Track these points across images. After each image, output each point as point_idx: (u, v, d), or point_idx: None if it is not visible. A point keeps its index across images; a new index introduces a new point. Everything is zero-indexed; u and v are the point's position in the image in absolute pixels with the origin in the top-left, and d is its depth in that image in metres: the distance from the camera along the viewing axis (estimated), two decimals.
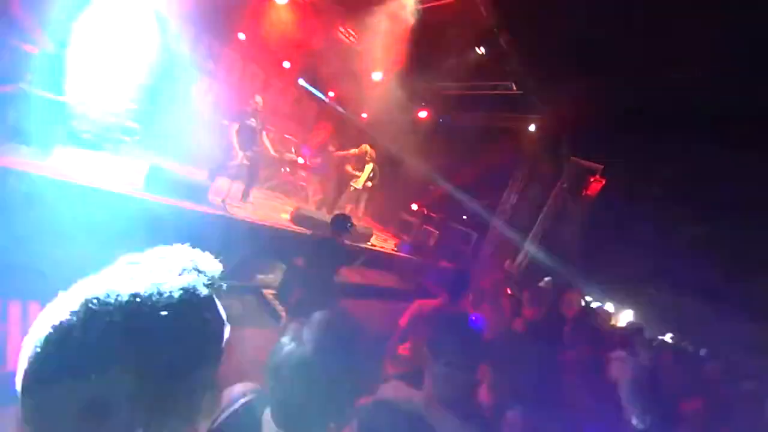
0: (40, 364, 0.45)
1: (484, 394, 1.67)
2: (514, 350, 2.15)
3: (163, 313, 0.49)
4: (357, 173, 7.55)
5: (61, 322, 0.46)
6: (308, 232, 5.61)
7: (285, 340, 0.91)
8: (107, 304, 0.47)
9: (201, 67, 8.52)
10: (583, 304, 4.63)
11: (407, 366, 2.63)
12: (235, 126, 5.77)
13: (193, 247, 0.61)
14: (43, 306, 0.49)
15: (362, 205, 8.12)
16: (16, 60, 4.37)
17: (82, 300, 0.47)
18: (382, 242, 7.81)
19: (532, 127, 8.80)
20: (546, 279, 7.41)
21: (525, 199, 9.28)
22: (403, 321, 2.71)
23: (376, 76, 8.91)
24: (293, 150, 9.49)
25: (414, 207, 10.64)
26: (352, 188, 7.89)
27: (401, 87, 9.26)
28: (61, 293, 0.49)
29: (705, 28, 4.66)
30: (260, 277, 5.68)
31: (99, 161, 4.94)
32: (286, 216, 6.30)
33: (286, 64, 10.47)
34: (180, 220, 4.27)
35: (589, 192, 8.02)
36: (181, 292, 0.52)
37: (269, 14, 8.50)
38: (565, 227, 8.46)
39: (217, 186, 5.32)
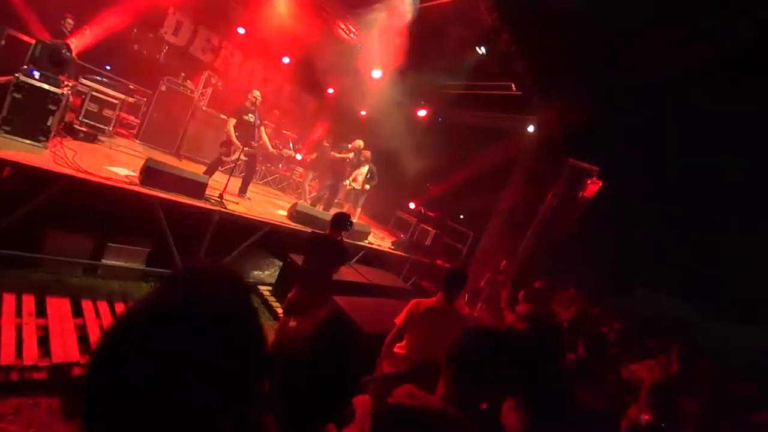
0: None
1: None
2: None
3: None
4: (344, 155, 7.56)
5: None
6: (305, 228, 5.60)
7: (282, 337, 0.91)
8: None
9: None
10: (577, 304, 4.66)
11: (403, 364, 2.63)
12: (233, 121, 5.74)
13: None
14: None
15: (360, 205, 8.13)
16: (13, 50, 4.32)
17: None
18: (379, 240, 7.81)
19: (530, 128, 8.81)
20: (541, 279, 7.45)
21: (522, 199, 9.30)
22: (399, 319, 2.71)
23: (376, 73, 8.88)
24: (291, 146, 9.46)
25: (411, 205, 10.65)
26: (348, 186, 7.88)
27: (400, 85, 9.24)
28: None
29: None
30: (256, 273, 5.67)
31: (95, 153, 4.90)
32: (284, 212, 6.29)
33: (286, 60, 10.42)
34: (177, 215, 4.25)
35: (585, 193, 8.05)
36: None
37: (269, 9, 8.45)
38: (562, 228, 8.49)
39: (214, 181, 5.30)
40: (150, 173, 4.24)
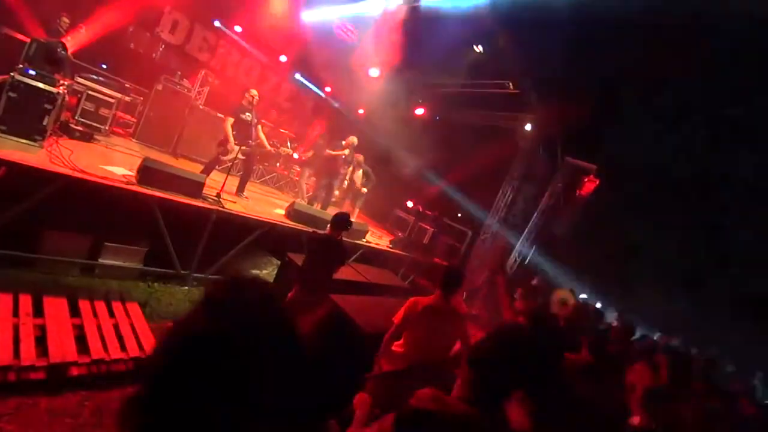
0: None
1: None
2: None
3: None
4: (339, 152, 7.57)
5: None
6: (303, 228, 5.60)
7: None
8: None
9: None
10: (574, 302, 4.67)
11: (402, 362, 2.64)
12: (231, 120, 5.72)
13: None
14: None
15: (359, 206, 8.14)
16: (8, 48, 4.29)
17: None
18: (377, 239, 7.82)
19: (528, 126, 8.84)
20: (538, 277, 7.49)
21: (519, 197, 9.34)
22: (397, 318, 2.71)
23: (373, 72, 8.87)
24: (288, 144, 9.45)
25: (409, 204, 10.67)
26: (345, 185, 7.89)
27: (398, 83, 9.24)
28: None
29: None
30: (255, 272, 5.67)
31: (91, 153, 4.88)
32: (281, 211, 6.28)
33: (283, 58, 10.39)
34: (174, 214, 4.24)
35: (583, 192, 8.08)
36: None
37: (266, 8, 8.42)
38: (559, 226, 8.52)
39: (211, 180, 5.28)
40: (147, 172, 4.22)
